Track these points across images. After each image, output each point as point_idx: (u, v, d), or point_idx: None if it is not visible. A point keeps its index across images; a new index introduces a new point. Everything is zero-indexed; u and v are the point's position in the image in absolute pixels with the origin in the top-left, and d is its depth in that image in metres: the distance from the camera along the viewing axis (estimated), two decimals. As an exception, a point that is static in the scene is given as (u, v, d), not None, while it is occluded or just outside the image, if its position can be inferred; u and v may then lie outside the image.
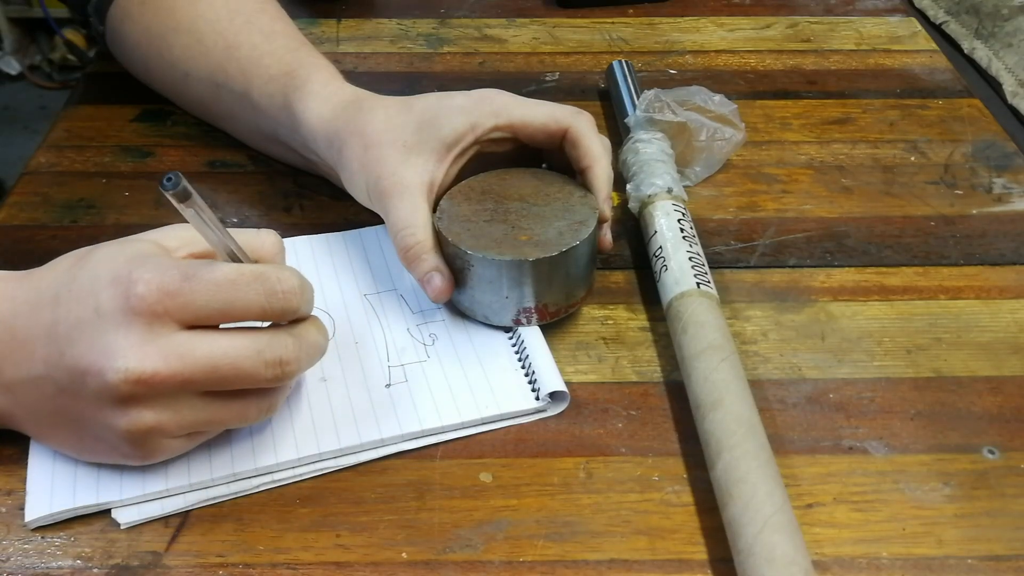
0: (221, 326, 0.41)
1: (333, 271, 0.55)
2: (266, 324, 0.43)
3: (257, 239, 0.44)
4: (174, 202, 0.37)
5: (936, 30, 0.83)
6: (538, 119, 0.52)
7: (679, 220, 0.54)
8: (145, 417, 0.40)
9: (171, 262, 0.40)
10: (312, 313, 0.44)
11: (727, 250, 0.58)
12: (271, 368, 0.41)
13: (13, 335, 0.41)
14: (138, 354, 0.38)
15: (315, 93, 0.55)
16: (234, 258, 0.42)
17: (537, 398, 0.47)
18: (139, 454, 0.42)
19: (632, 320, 0.53)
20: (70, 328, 0.39)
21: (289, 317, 0.42)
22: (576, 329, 0.52)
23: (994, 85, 0.76)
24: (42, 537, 0.42)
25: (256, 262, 0.43)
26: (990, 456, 0.46)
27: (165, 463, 0.44)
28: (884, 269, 0.57)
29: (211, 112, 0.64)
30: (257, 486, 0.44)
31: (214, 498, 0.43)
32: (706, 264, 0.52)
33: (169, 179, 0.36)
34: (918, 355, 0.51)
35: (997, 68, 0.77)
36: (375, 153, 0.51)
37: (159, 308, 0.38)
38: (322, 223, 0.59)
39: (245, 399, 0.42)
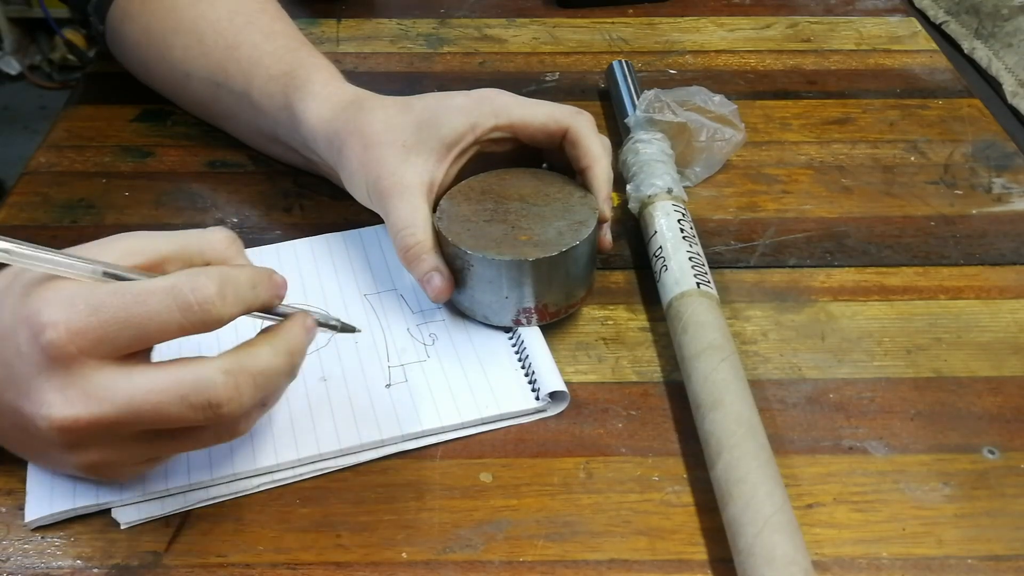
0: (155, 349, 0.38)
1: (333, 271, 0.55)
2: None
3: (204, 239, 0.41)
4: None
5: (936, 30, 0.83)
6: (538, 119, 0.52)
7: (679, 220, 0.54)
8: (92, 455, 0.38)
9: (80, 293, 0.36)
10: (299, 314, 0.41)
11: (727, 250, 0.58)
12: (200, 411, 0.37)
13: None
14: (59, 400, 0.36)
15: (315, 93, 0.55)
16: (120, 278, 0.38)
17: (537, 398, 0.47)
18: (101, 480, 0.42)
19: (632, 320, 0.53)
20: (2, 366, 0.38)
21: (215, 327, 0.38)
22: (576, 329, 0.52)
23: (994, 85, 0.76)
24: (42, 537, 0.42)
25: (161, 272, 0.39)
26: (990, 456, 0.46)
27: (164, 463, 0.44)
28: (884, 269, 0.57)
29: (211, 112, 0.64)
30: (257, 486, 0.44)
31: (214, 498, 0.43)
32: (706, 264, 0.52)
33: None
34: (918, 355, 0.51)
35: (997, 68, 0.77)
36: (375, 153, 0.51)
37: (73, 349, 0.36)
38: (322, 223, 0.59)
39: (193, 434, 0.39)
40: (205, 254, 0.40)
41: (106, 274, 0.37)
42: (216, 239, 0.41)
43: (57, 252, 0.37)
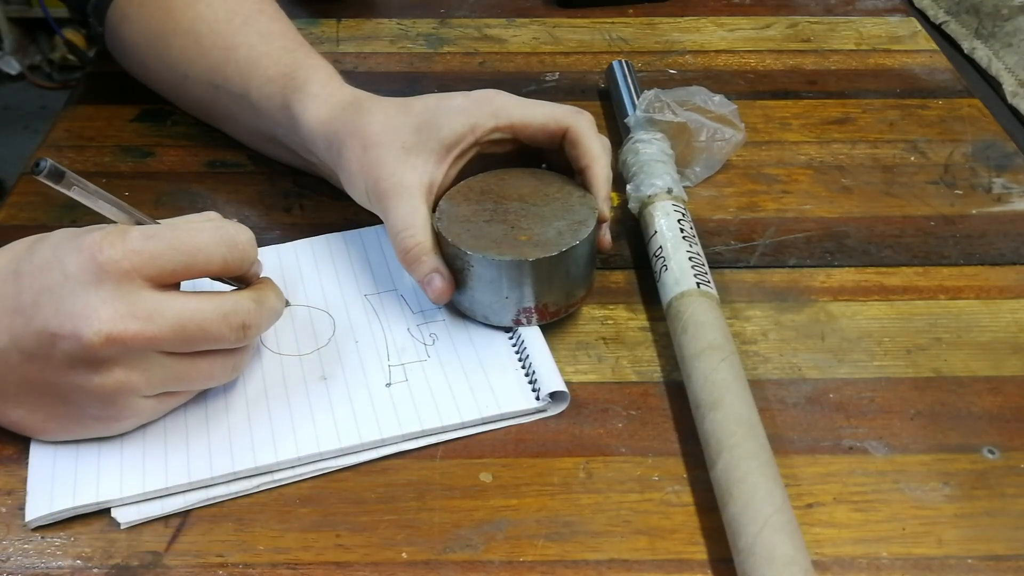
0: (184, 288, 0.43)
1: (333, 271, 0.55)
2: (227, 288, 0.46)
3: (204, 218, 0.47)
4: (52, 185, 0.38)
5: (936, 30, 0.83)
6: (538, 119, 0.52)
7: (679, 220, 0.54)
8: (116, 375, 0.41)
9: (130, 227, 0.42)
10: (268, 277, 0.47)
11: (727, 250, 0.58)
12: (235, 331, 0.42)
13: None
14: (110, 313, 0.39)
15: (313, 94, 0.55)
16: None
17: (537, 398, 0.47)
18: (109, 414, 0.43)
19: (632, 320, 0.53)
20: (36, 295, 0.40)
21: (247, 268, 0.45)
22: (576, 329, 0.52)
23: (994, 85, 0.76)
24: (42, 537, 0.42)
25: None
26: (990, 456, 0.46)
27: (165, 462, 0.44)
28: (884, 269, 0.57)
29: (210, 113, 0.64)
30: (257, 486, 0.44)
31: (214, 498, 0.43)
32: (706, 264, 0.52)
33: (37, 164, 0.37)
34: (918, 355, 0.51)
35: (997, 68, 0.77)
36: (374, 154, 0.51)
37: (127, 265, 0.40)
38: (322, 223, 0.59)
39: (211, 358, 0.44)
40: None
41: (138, 221, 0.43)
42: (213, 217, 0.47)
43: (109, 195, 0.42)
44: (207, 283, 0.46)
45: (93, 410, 0.42)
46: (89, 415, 0.43)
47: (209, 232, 0.42)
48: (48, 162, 0.37)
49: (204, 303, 0.42)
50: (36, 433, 0.44)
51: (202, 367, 0.44)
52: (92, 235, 0.40)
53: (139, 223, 0.43)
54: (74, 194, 0.39)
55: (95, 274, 0.39)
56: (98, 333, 0.39)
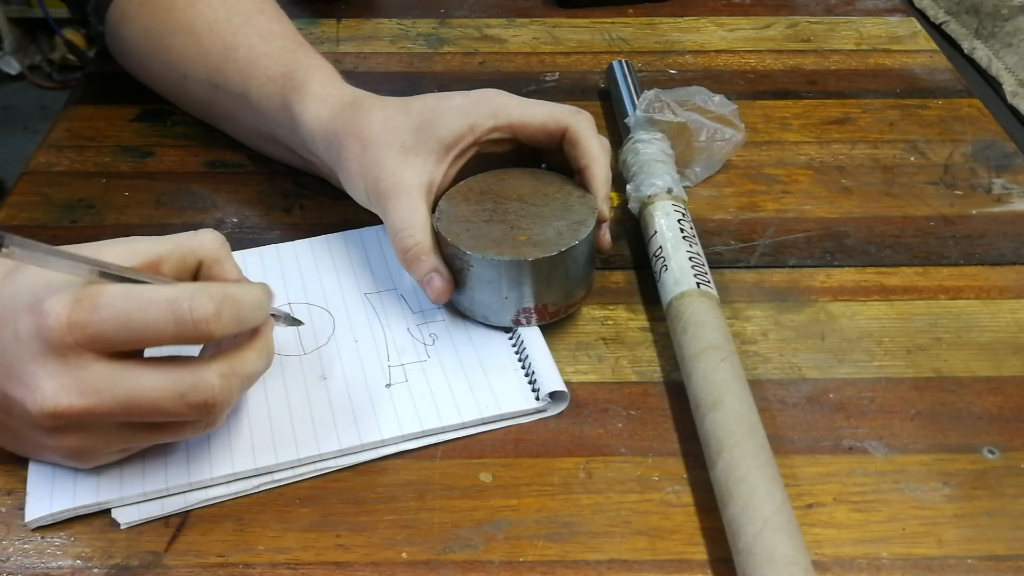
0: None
1: (333, 271, 0.55)
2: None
3: (196, 240, 0.43)
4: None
5: (936, 30, 0.83)
6: (537, 119, 0.52)
7: (679, 220, 0.54)
8: (71, 440, 0.40)
9: (87, 291, 0.38)
10: (268, 315, 0.42)
11: (727, 250, 0.58)
12: (194, 410, 0.39)
13: None
14: (54, 388, 0.37)
15: (313, 94, 0.55)
16: (120, 278, 0.39)
17: (537, 398, 0.47)
18: (74, 463, 0.42)
19: (632, 320, 0.53)
20: None
21: (206, 342, 0.41)
22: (576, 329, 0.52)
23: (994, 85, 0.76)
24: (42, 537, 0.42)
25: (159, 274, 0.41)
26: (990, 456, 0.46)
27: (165, 463, 0.44)
28: (884, 269, 0.57)
29: (210, 113, 0.64)
30: (257, 486, 0.44)
31: (214, 498, 0.43)
32: (706, 264, 0.52)
33: None
34: (918, 355, 0.51)
35: (997, 68, 0.77)
36: (373, 154, 0.51)
37: (70, 340, 0.37)
38: (322, 223, 0.59)
39: (176, 427, 0.41)
40: (197, 253, 0.43)
41: (103, 274, 0.39)
42: (207, 239, 0.43)
43: (58, 250, 0.38)
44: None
45: (59, 459, 0.42)
46: (55, 460, 0.43)
47: (160, 306, 0.38)
48: None
49: (159, 379, 0.38)
50: (22, 455, 0.44)
51: (165, 433, 0.41)
52: (45, 299, 0.37)
53: (103, 273, 0.39)
54: (20, 259, 0.36)
55: (41, 344, 0.37)
56: (42, 409, 0.38)
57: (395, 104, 0.53)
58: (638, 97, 0.63)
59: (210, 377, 0.39)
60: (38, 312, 0.37)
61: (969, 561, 0.42)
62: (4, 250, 0.35)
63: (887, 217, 0.61)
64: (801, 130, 0.68)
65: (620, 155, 0.60)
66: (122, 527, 0.42)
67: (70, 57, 2.29)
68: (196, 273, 0.43)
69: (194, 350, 0.43)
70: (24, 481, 0.43)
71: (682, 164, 0.61)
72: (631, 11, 0.83)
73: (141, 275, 0.40)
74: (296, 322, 0.48)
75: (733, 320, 0.53)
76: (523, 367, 0.49)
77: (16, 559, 0.41)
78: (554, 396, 0.47)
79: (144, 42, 0.64)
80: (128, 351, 0.39)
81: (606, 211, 0.52)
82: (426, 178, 0.51)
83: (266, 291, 0.42)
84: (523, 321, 0.50)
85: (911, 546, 0.42)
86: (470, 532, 0.42)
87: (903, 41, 0.79)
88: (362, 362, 0.50)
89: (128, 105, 0.69)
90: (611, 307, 0.54)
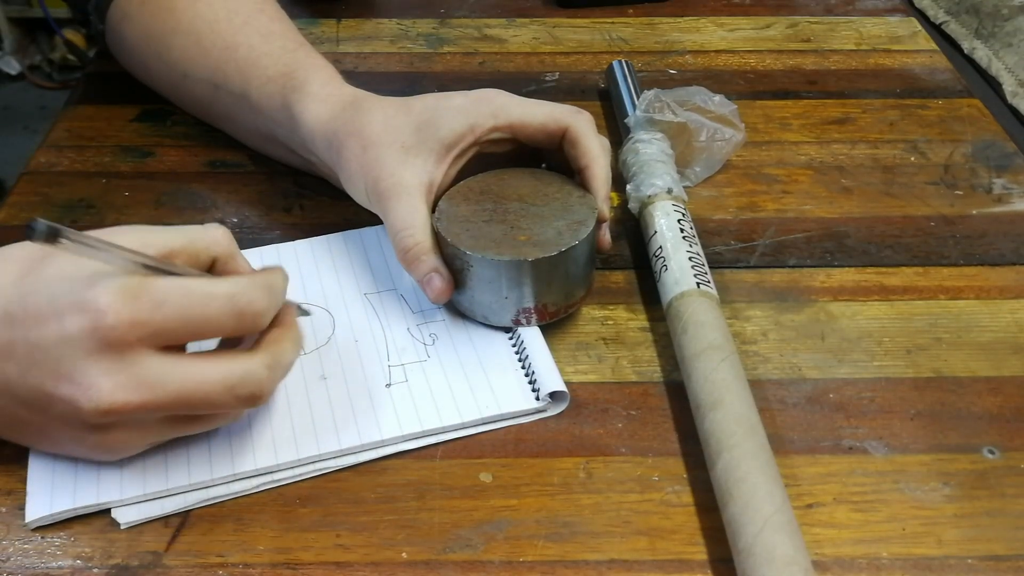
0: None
1: (333, 271, 0.55)
2: None
3: (208, 235, 0.44)
4: (47, 246, 0.35)
5: (936, 30, 0.83)
6: (537, 119, 0.52)
7: (679, 220, 0.54)
8: (113, 435, 0.40)
9: (137, 283, 0.38)
10: (288, 307, 0.44)
11: (727, 250, 0.58)
12: (241, 402, 0.40)
13: None
14: (111, 385, 0.38)
15: (313, 94, 0.55)
16: (162, 271, 0.40)
17: (537, 398, 0.47)
18: (103, 457, 0.43)
19: (632, 320, 0.53)
20: (30, 349, 0.38)
21: (255, 333, 0.42)
22: (576, 329, 0.52)
23: (994, 85, 0.76)
24: (42, 537, 0.42)
25: (194, 267, 0.42)
26: (990, 456, 0.46)
27: (165, 463, 0.44)
28: (884, 269, 0.57)
29: (210, 113, 0.64)
30: (257, 486, 0.44)
31: (214, 498, 0.43)
32: (706, 264, 0.52)
33: (31, 227, 0.35)
34: (918, 355, 0.51)
35: (997, 68, 0.77)
36: (374, 154, 0.51)
37: (132, 337, 0.37)
38: (322, 223, 0.59)
39: (213, 418, 0.43)
40: (212, 250, 0.44)
41: (145, 266, 0.39)
42: (218, 234, 0.44)
43: (105, 242, 0.38)
44: None
45: (82, 453, 0.42)
46: (78, 454, 0.43)
47: (221, 301, 0.39)
48: (42, 224, 0.35)
49: (209, 372, 0.39)
50: (33, 447, 0.44)
51: (202, 424, 0.43)
52: (97, 296, 0.37)
53: (147, 267, 0.39)
54: (74, 252, 0.37)
55: (96, 341, 0.37)
56: (98, 406, 0.38)
57: (395, 104, 0.53)
58: (638, 97, 0.63)
59: (258, 369, 0.40)
60: (91, 309, 0.37)
61: (969, 561, 0.42)
62: (61, 242, 0.35)
63: (887, 217, 0.61)
64: (801, 130, 0.68)
65: (620, 155, 0.60)
66: (122, 527, 0.42)
67: (70, 57, 2.29)
68: (210, 268, 0.44)
69: (212, 344, 0.45)
70: (24, 481, 0.43)
71: (682, 164, 0.61)
72: (631, 11, 0.83)
73: (182, 268, 0.41)
74: (304, 312, 0.49)
75: (733, 320, 0.53)
76: (523, 367, 0.49)
77: (16, 559, 0.41)
78: (554, 396, 0.47)
79: (145, 42, 0.64)
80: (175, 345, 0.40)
81: (606, 211, 0.52)
82: (426, 178, 0.51)
83: (285, 275, 0.44)
84: (523, 321, 0.50)
85: (911, 546, 0.42)
86: (470, 532, 0.42)
87: (903, 41, 0.79)
88: (362, 362, 0.50)
89: (128, 105, 0.69)
90: (611, 307, 0.54)
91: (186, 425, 0.42)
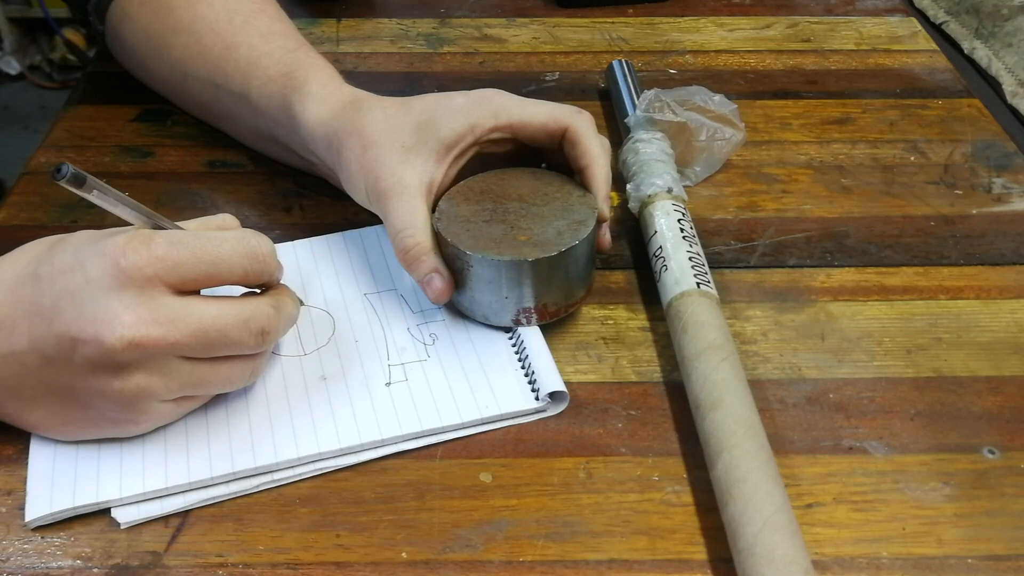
0: (203, 293, 0.43)
1: (333, 271, 0.55)
2: (241, 293, 0.46)
3: (217, 217, 0.47)
4: (73, 189, 0.38)
5: (936, 30, 0.83)
6: (537, 119, 0.52)
7: (679, 220, 0.54)
8: (136, 379, 0.41)
9: (158, 231, 0.42)
10: (283, 283, 0.47)
11: (727, 250, 0.58)
12: (255, 336, 0.43)
13: None
14: (132, 318, 0.39)
15: (313, 94, 0.55)
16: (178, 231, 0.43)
17: (537, 398, 0.47)
18: (128, 417, 0.43)
19: (632, 320, 0.53)
20: (57, 299, 0.40)
21: (266, 279, 0.45)
22: (576, 329, 0.52)
23: (994, 85, 0.76)
24: (42, 537, 0.42)
25: None
26: (990, 456, 0.46)
27: (164, 462, 0.44)
28: (884, 269, 0.57)
29: (210, 113, 0.64)
30: (257, 486, 0.44)
31: (214, 498, 0.43)
32: (706, 264, 0.52)
33: (59, 169, 0.37)
34: (918, 355, 0.51)
35: (997, 68, 0.77)
36: (374, 154, 0.51)
37: (150, 272, 0.40)
38: (322, 223, 0.59)
39: (230, 363, 0.44)
40: (223, 228, 0.46)
41: (157, 226, 0.42)
42: (227, 218, 0.47)
43: (126, 198, 0.41)
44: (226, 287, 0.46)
45: (112, 413, 0.42)
46: (107, 418, 0.43)
47: (232, 242, 0.42)
48: (69, 167, 0.37)
49: (225, 308, 0.42)
50: (53, 434, 0.44)
51: (221, 371, 0.44)
52: (115, 239, 0.40)
53: (158, 227, 0.43)
54: (95, 198, 0.39)
55: (118, 279, 0.39)
56: (121, 338, 0.39)
57: (395, 104, 0.53)
58: (638, 97, 0.63)
59: (265, 307, 0.44)
60: (111, 250, 0.40)
61: (969, 561, 0.42)
62: (86, 186, 0.38)
63: (887, 217, 0.61)
64: (801, 130, 0.68)
65: (620, 155, 0.60)
66: (122, 527, 0.42)
67: (70, 57, 2.29)
68: None
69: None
70: (24, 481, 0.43)
71: (682, 164, 0.61)
72: (631, 11, 0.83)
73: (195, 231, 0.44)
74: (298, 300, 0.50)
75: (733, 320, 0.53)
76: (523, 367, 0.49)
77: (16, 559, 0.41)
78: (554, 396, 0.47)
79: (145, 42, 0.64)
80: (191, 291, 0.42)
81: (606, 211, 0.52)
82: (426, 178, 0.51)
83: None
84: (523, 321, 0.50)
85: (911, 546, 0.42)
86: (470, 532, 0.42)
87: (903, 41, 0.79)
88: (362, 362, 0.50)
89: (128, 105, 0.69)
90: (611, 307, 0.54)
91: (206, 372, 0.43)
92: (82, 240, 0.42)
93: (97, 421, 0.43)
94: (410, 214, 0.50)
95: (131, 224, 0.43)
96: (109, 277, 0.39)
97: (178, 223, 0.45)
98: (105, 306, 0.39)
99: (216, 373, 0.44)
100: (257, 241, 0.44)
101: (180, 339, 0.40)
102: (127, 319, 0.39)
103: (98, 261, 0.40)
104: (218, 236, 0.42)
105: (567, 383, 0.48)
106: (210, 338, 0.41)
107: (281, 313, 0.45)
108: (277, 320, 0.44)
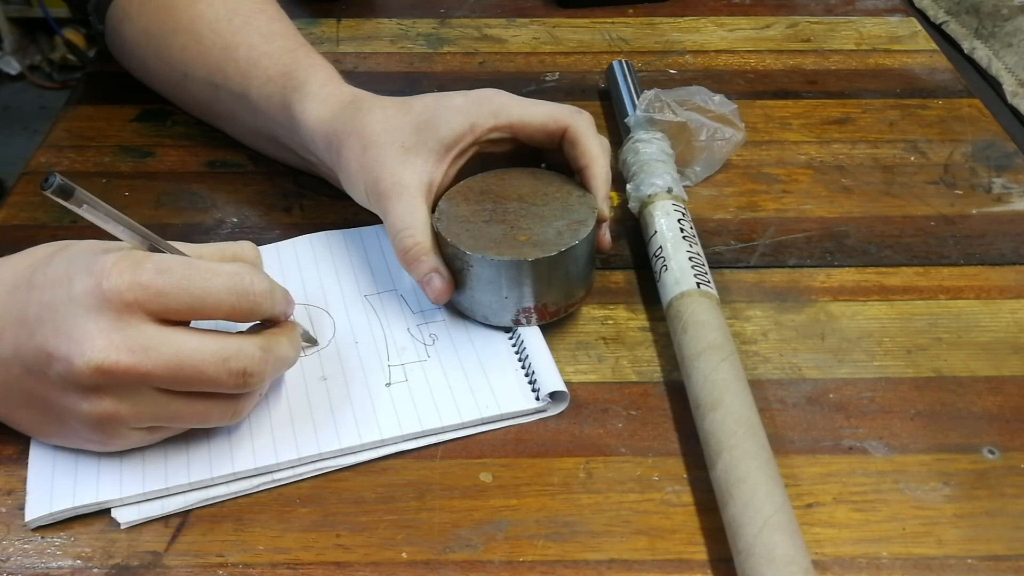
0: (192, 323, 0.41)
1: (333, 271, 0.55)
2: (238, 328, 0.44)
3: (235, 246, 0.46)
4: (60, 202, 0.37)
5: (936, 30, 0.83)
6: (537, 119, 0.52)
7: (679, 220, 0.54)
8: (105, 404, 0.40)
9: (145, 254, 0.40)
10: (291, 320, 0.45)
11: (727, 250, 0.58)
12: (234, 377, 0.41)
13: None
14: (104, 343, 0.38)
15: (313, 94, 0.55)
16: (160, 251, 0.42)
17: (537, 398, 0.47)
18: (99, 439, 0.42)
19: (632, 320, 0.53)
20: (41, 310, 0.40)
21: (257, 319, 0.43)
22: (576, 329, 0.52)
23: (994, 85, 0.76)
24: (42, 537, 0.42)
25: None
26: (990, 456, 0.46)
27: (164, 462, 0.44)
28: (884, 269, 0.57)
29: (210, 113, 0.64)
30: (257, 486, 0.44)
31: (214, 498, 0.43)
32: (706, 264, 0.52)
33: (46, 179, 0.36)
34: (918, 355, 0.51)
35: (997, 68, 0.77)
36: (373, 154, 0.51)
37: (130, 297, 0.39)
38: (322, 223, 0.59)
39: (208, 401, 0.42)
40: (239, 258, 0.45)
41: (157, 248, 0.41)
42: (246, 248, 0.46)
43: (120, 215, 0.40)
44: None
45: (84, 432, 0.42)
46: (80, 436, 0.42)
47: (223, 277, 0.40)
48: (57, 177, 0.36)
49: (206, 343, 0.40)
50: (42, 437, 0.44)
51: (197, 408, 0.42)
52: (105, 259, 0.39)
53: (155, 248, 0.41)
54: (84, 213, 0.38)
55: (98, 300, 0.38)
56: (88, 362, 0.38)
57: (395, 104, 0.53)
58: (638, 97, 0.63)
59: (250, 347, 0.41)
60: (100, 269, 0.39)
61: (969, 561, 0.42)
62: (73, 198, 0.37)
63: (887, 217, 0.61)
64: (801, 130, 0.68)
65: (620, 155, 0.60)
66: (122, 527, 0.42)
67: (70, 57, 2.29)
68: None
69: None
70: (24, 481, 0.43)
71: (682, 164, 0.61)
72: (631, 11, 0.83)
73: (191, 253, 0.43)
74: (312, 341, 0.50)
75: (733, 320, 0.53)
76: (523, 367, 0.49)
77: (16, 559, 0.41)
78: (554, 396, 0.47)
79: (145, 41, 0.64)
80: (176, 321, 0.40)
81: (606, 211, 0.52)
82: (426, 178, 0.51)
83: (289, 294, 0.45)
84: (523, 321, 0.50)
85: (911, 546, 0.42)
86: (470, 532, 0.42)
87: (903, 41, 0.79)
88: (362, 362, 0.50)
89: (128, 105, 0.69)
90: (611, 307, 0.54)
91: (179, 408, 0.41)
92: (81, 252, 0.41)
93: (71, 436, 0.43)
94: (410, 214, 0.50)
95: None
96: (91, 297, 0.39)
97: (188, 244, 0.44)
98: (82, 327, 0.38)
99: (191, 409, 0.42)
100: (252, 279, 0.41)
101: (152, 369, 0.39)
102: (99, 343, 0.38)
103: (84, 279, 0.39)
104: (211, 268, 0.40)
105: (567, 383, 0.48)
106: (184, 372, 0.40)
107: (270, 355, 0.42)
108: (263, 363, 0.41)
